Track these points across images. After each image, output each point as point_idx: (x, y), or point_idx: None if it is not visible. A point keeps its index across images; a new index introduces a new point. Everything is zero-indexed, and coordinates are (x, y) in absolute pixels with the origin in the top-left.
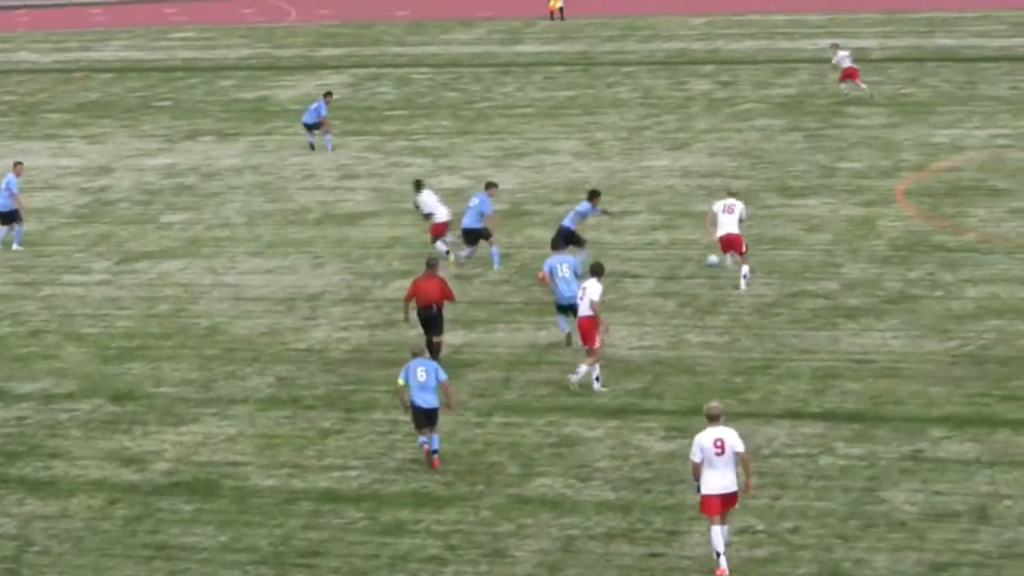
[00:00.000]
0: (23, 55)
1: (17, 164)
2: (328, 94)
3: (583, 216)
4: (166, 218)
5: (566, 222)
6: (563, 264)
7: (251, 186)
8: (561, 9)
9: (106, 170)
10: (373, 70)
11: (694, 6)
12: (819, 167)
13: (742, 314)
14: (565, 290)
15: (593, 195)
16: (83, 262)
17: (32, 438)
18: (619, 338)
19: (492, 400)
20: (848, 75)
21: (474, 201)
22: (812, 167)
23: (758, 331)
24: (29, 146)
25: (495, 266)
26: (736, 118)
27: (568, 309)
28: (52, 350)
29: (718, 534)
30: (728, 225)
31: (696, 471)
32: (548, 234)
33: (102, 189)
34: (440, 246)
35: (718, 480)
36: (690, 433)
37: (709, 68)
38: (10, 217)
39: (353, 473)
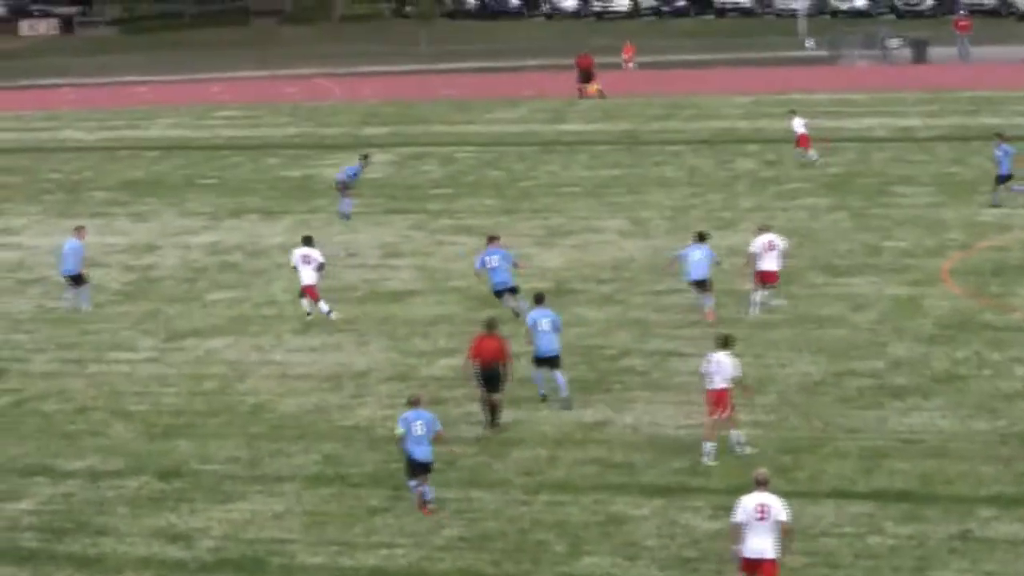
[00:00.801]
0: (69, 133)
1: (80, 228)
2: (365, 156)
3: None
4: (212, 296)
5: None
6: (544, 319)
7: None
8: (600, 90)
9: (152, 248)
10: (417, 148)
11: (738, 85)
12: (865, 246)
13: (789, 392)
14: (544, 344)
15: None
16: (129, 339)
17: (80, 515)
18: (665, 416)
19: (538, 478)
20: (801, 143)
21: (495, 259)
22: (858, 246)
23: (805, 410)
24: (75, 224)
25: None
26: (782, 197)
27: (545, 362)
28: (99, 427)
29: None
30: (770, 263)
31: (735, 532)
32: (595, 313)
33: (148, 267)
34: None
35: (758, 544)
36: None
37: (754, 147)
38: (78, 280)
39: (401, 551)
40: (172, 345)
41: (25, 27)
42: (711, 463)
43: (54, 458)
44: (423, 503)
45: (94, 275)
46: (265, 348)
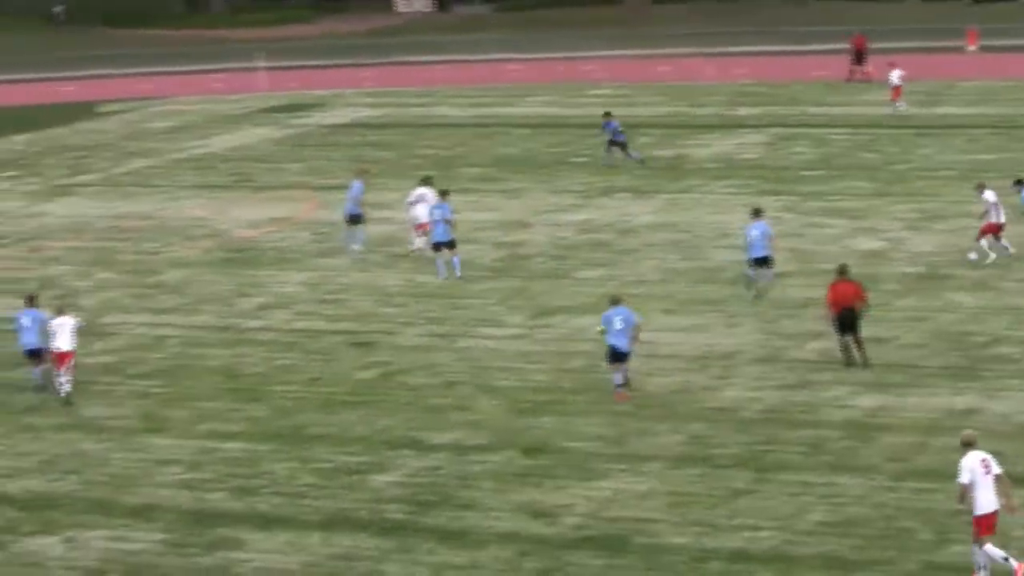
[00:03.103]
0: (442, 109)
1: (362, 170)
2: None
3: None
4: (581, 273)
5: None
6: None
7: (666, 243)
8: (869, 73)
9: (522, 224)
10: (789, 130)
11: None
12: None
13: None
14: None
15: None
16: (498, 315)
17: (445, 488)
18: None
19: (905, 465)
20: None
21: (755, 232)
22: None
23: None
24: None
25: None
26: None
27: (618, 356)
28: (466, 402)
29: (993, 547)
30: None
31: (964, 492)
32: (967, 298)
33: (518, 244)
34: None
35: (987, 498)
36: None
37: None
38: (356, 219)
39: (764, 534)
40: (540, 322)
41: (401, 4)
42: None
43: (421, 431)
44: (617, 388)
45: (464, 251)
46: None
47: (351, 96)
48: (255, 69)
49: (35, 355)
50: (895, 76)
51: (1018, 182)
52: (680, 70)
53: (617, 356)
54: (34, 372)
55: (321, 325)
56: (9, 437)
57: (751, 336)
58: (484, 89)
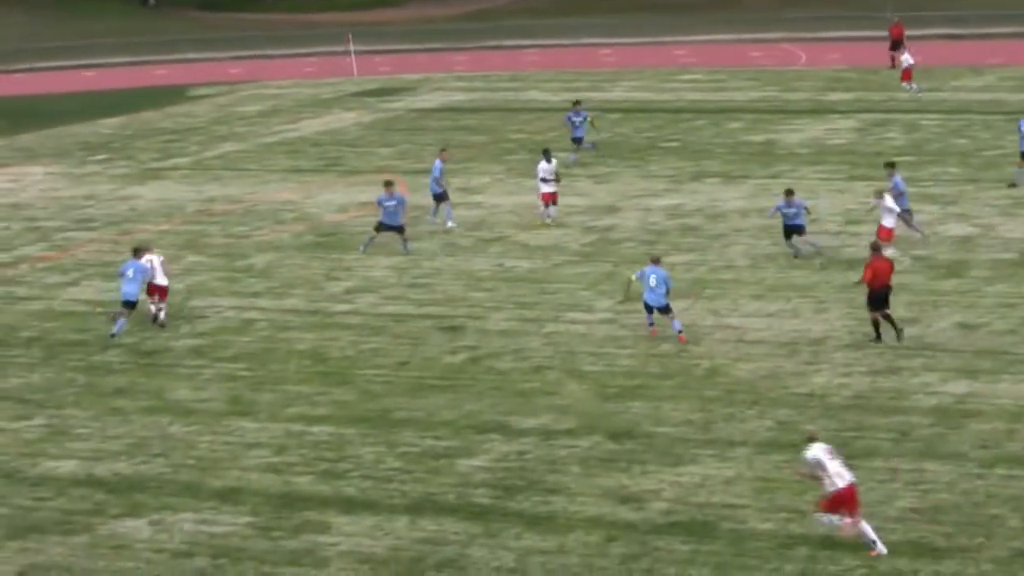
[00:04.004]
0: (533, 94)
1: (443, 151)
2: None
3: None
4: (670, 258)
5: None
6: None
7: (756, 229)
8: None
9: (612, 209)
10: (881, 115)
11: None
12: None
13: None
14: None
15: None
16: (587, 300)
17: (532, 473)
18: None
19: (995, 451)
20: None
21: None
22: None
23: None
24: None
25: None
26: None
27: (651, 308)
28: (554, 387)
29: None
30: None
31: None
32: None
33: (608, 228)
34: None
35: None
36: None
37: None
38: (441, 197)
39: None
40: (628, 307)
41: None
42: None
43: (508, 415)
44: (652, 326)
45: (554, 235)
46: (721, 312)
47: (441, 80)
48: (346, 53)
49: (130, 306)
50: (905, 59)
51: None
52: (772, 55)
53: (651, 310)
54: (119, 322)
55: (409, 309)
56: (98, 420)
57: (840, 322)
58: (575, 74)
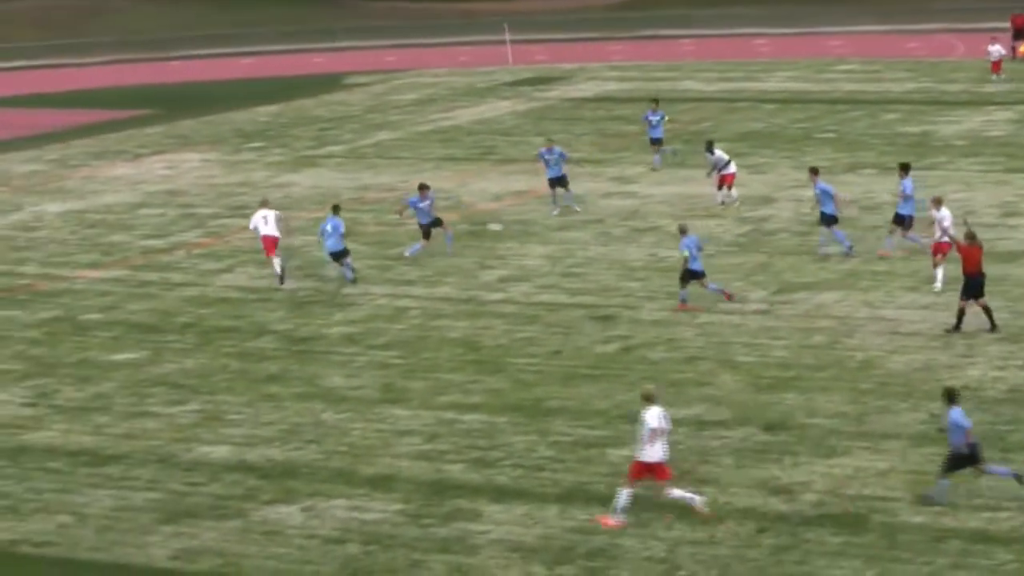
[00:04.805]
0: (688, 83)
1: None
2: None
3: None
4: (824, 249)
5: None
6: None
7: (918, 221)
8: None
9: (767, 200)
10: None
11: None
12: None
13: None
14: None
15: None
16: (741, 291)
17: (684, 463)
18: None
19: None
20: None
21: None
22: None
23: None
24: (691, 174)
25: None
26: None
27: (694, 275)
28: (707, 377)
29: None
30: None
31: None
32: None
33: (762, 219)
34: None
35: None
36: None
37: None
38: (560, 182)
39: (1005, 515)
40: (782, 298)
41: None
42: None
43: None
44: (684, 302)
45: (708, 225)
46: (875, 304)
47: (597, 69)
48: (501, 42)
49: (337, 256)
50: (995, 50)
51: None
52: (929, 46)
53: (695, 275)
54: (346, 273)
55: (562, 298)
56: (251, 406)
57: (996, 314)
58: (730, 64)
